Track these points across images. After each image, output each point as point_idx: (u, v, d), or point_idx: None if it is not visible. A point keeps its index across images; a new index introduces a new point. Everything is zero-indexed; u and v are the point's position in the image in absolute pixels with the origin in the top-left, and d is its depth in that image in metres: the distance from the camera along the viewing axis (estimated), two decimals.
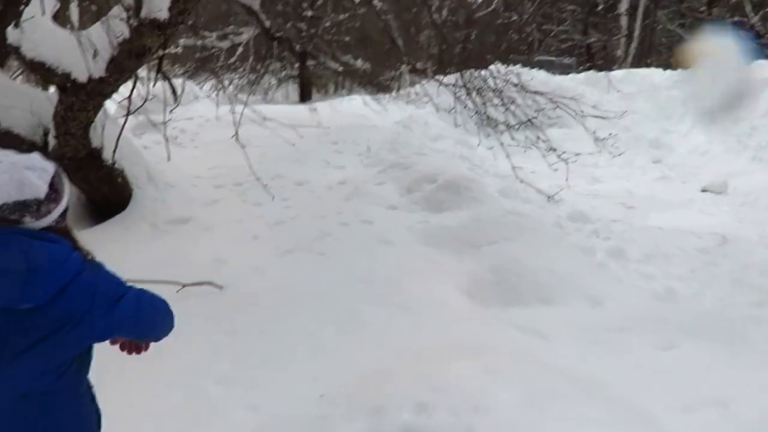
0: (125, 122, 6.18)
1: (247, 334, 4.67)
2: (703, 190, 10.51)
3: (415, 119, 11.70)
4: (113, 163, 6.65)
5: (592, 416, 3.10)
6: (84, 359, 2.24)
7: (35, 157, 2.15)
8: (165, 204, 7.28)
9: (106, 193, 7.01)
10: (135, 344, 2.42)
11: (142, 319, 2.23)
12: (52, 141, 5.98)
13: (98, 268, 2.23)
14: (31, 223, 2.08)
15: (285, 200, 7.26)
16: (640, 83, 15.91)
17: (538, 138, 6.35)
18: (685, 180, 11.30)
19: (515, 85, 6.35)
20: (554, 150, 6.34)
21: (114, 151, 6.31)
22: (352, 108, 12.18)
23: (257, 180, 7.19)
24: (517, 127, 6.54)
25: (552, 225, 7.48)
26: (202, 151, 9.47)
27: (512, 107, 6.52)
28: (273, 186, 7.10)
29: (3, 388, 2.11)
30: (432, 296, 5.13)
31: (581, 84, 15.62)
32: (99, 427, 2.39)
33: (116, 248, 6.26)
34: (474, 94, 6.63)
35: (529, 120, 6.38)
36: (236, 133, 6.71)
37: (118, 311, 2.13)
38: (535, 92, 6.34)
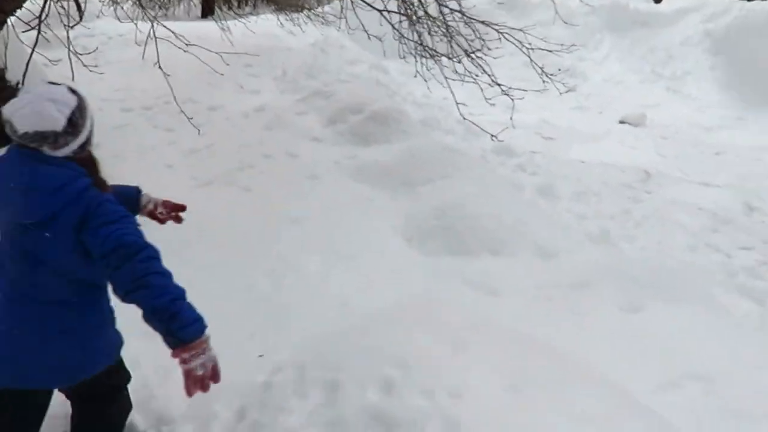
0: (37, 41, 5.29)
1: None
2: (621, 122, 10.29)
3: (331, 42, 10.92)
4: (17, 84, 5.77)
5: (577, 401, 2.72)
6: (98, 279, 2.33)
7: (60, 90, 2.21)
8: None
9: None
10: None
11: (128, 250, 2.16)
12: None
13: (106, 198, 2.27)
14: (49, 152, 2.19)
15: (200, 126, 6.53)
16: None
17: (483, 71, 5.82)
18: (602, 110, 11.03)
19: (457, 11, 5.78)
20: (500, 85, 5.84)
21: (25, 73, 5.45)
22: (265, 27, 11.25)
23: (167, 104, 6.45)
24: (458, 58, 5.99)
25: (478, 158, 7.10)
26: (107, 72, 8.50)
27: (455, 36, 5.95)
28: (185, 111, 6.35)
29: (25, 296, 2.28)
30: (371, 241, 4.63)
31: (496, 8, 15.03)
32: (118, 353, 2.56)
33: None
34: (414, 21, 6.01)
35: (473, 52, 5.83)
36: (147, 54, 5.92)
37: (109, 233, 2.16)
38: (482, 22, 5.78)
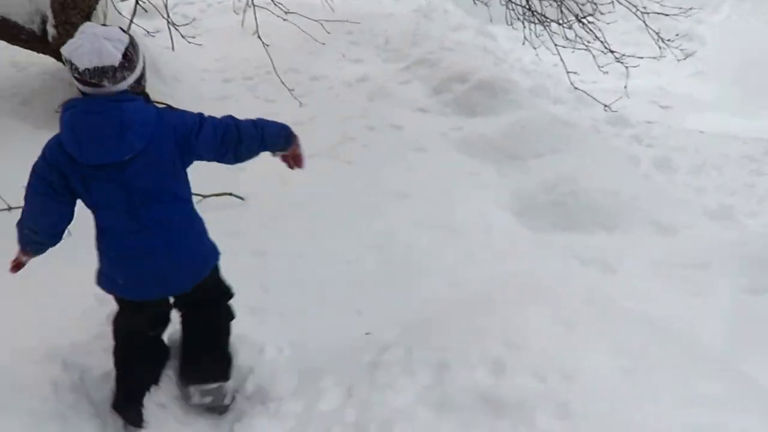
0: (135, 11, 5.49)
1: (276, 257, 4.20)
2: None
3: (434, 7, 10.85)
4: None
5: (698, 385, 2.66)
6: (188, 191, 2.80)
7: (114, 29, 2.50)
8: (173, 100, 6.64)
9: None
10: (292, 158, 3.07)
11: (222, 139, 2.66)
12: (51, 30, 5.35)
13: (174, 111, 2.73)
14: (109, 87, 2.44)
15: (301, 97, 6.64)
16: None
17: (596, 37, 5.66)
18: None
19: None
20: (613, 52, 5.68)
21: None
22: None
23: (268, 74, 6.55)
24: (569, 24, 5.85)
25: (590, 129, 6.95)
26: (207, 41, 8.74)
27: (566, 0, 5.80)
28: (286, 81, 6.46)
29: (135, 224, 2.65)
30: (479, 217, 4.62)
31: None
32: (218, 255, 2.99)
33: None
34: None
35: (585, 16, 5.68)
36: (246, 22, 6.02)
37: (200, 139, 2.60)
38: None
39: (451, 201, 4.82)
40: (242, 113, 5.98)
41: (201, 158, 2.73)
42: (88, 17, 5.32)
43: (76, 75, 2.43)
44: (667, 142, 7.15)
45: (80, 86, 2.46)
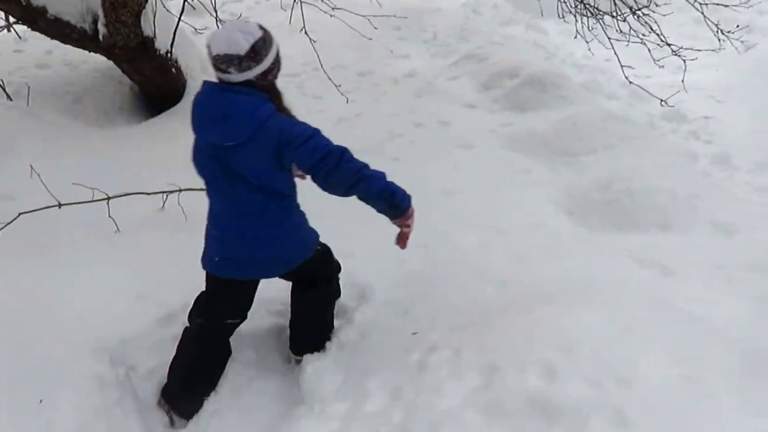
0: (183, 9, 5.52)
1: None
2: None
3: (483, 1, 10.73)
4: (167, 53, 6.08)
5: (762, 399, 2.54)
6: (288, 189, 2.93)
7: (252, 25, 2.71)
8: None
9: (161, 84, 6.49)
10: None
11: (316, 166, 2.71)
12: (102, 29, 5.42)
13: (294, 120, 2.77)
14: (235, 74, 2.66)
15: (348, 93, 6.59)
16: None
17: (651, 30, 5.50)
18: None
19: None
20: (669, 45, 5.52)
21: (172, 42, 5.73)
22: None
23: (315, 70, 6.53)
24: (623, 16, 5.70)
25: (645, 125, 6.77)
26: None
27: None
28: (333, 77, 6.44)
29: (230, 208, 2.91)
30: (529, 215, 4.53)
31: None
32: (313, 248, 3.17)
33: (174, 146, 5.77)
34: None
35: (640, 9, 5.52)
36: (293, 18, 6.02)
37: (295, 154, 2.70)
38: None
39: (501, 199, 4.73)
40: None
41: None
42: (138, 16, 5.37)
43: (210, 59, 2.68)
44: (726, 138, 6.93)
45: (214, 71, 2.71)
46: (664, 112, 7.30)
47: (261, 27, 2.72)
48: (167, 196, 4.44)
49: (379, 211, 2.92)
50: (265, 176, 2.80)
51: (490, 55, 7.56)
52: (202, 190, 4.47)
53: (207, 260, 3.11)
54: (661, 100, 5.43)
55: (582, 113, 5.98)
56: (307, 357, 3.39)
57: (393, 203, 2.87)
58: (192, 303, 3.25)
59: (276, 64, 2.77)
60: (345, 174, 2.74)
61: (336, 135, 4.56)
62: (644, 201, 4.46)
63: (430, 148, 5.65)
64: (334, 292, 3.56)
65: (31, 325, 3.31)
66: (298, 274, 3.21)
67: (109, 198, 4.15)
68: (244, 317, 3.31)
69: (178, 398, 3.20)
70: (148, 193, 4.36)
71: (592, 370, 2.65)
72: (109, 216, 4.14)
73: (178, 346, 3.24)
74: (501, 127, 6.02)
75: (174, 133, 6.00)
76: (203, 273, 3.85)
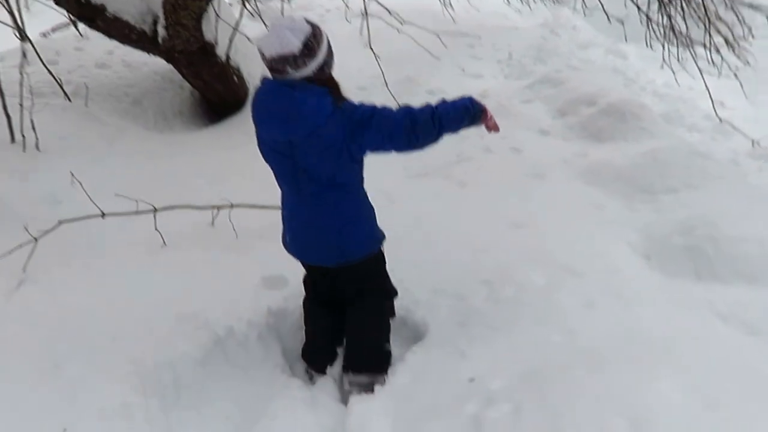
0: (241, 14, 5.43)
1: None
2: None
3: (562, 22, 10.44)
4: (227, 59, 5.99)
5: None
6: (354, 180, 3.06)
7: (299, 21, 2.74)
8: None
9: (221, 91, 6.41)
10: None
11: (390, 136, 2.84)
12: (161, 31, 5.35)
13: (352, 104, 2.84)
14: (293, 73, 2.72)
15: None
16: None
17: (746, 62, 5.17)
18: None
19: None
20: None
21: (229, 47, 5.63)
22: (490, 4, 10.97)
23: (384, 85, 6.36)
24: (716, 47, 5.38)
25: (730, 164, 6.39)
26: None
27: (714, 21, 5.33)
28: (400, 93, 6.26)
29: (297, 198, 3.04)
30: (602, 256, 4.23)
31: None
32: (377, 245, 3.29)
33: (232, 155, 5.66)
34: (666, 1, 5.47)
35: (735, 39, 5.20)
36: (363, 30, 5.87)
37: (366, 137, 2.81)
38: (749, 5, 5.13)
39: (572, 236, 4.45)
40: None
41: (376, 150, 2.93)
42: (198, 20, 5.29)
43: (265, 63, 2.74)
44: None
45: (271, 74, 2.79)
46: (750, 150, 6.92)
47: (308, 21, 2.76)
48: (218, 211, 4.29)
49: (465, 128, 3.08)
50: (329, 169, 2.88)
51: (567, 80, 7.28)
52: (254, 207, 4.37)
53: (285, 242, 3.27)
54: (753, 141, 5.06)
55: (663, 148, 5.65)
56: (353, 398, 3.19)
57: (473, 114, 3.03)
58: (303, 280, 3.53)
59: (330, 55, 2.83)
60: (426, 130, 2.87)
61: (401, 155, 4.48)
62: (729, 250, 4.11)
63: (500, 176, 5.40)
64: (389, 309, 3.57)
65: (64, 341, 3.20)
66: (356, 277, 3.29)
67: (156, 210, 4.03)
68: (346, 293, 3.40)
69: (307, 356, 3.52)
70: (198, 207, 4.23)
71: None
72: (156, 229, 4.02)
73: (304, 317, 3.54)
74: (575, 158, 5.73)
75: (233, 143, 5.90)
76: (249, 295, 3.71)
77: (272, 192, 4.84)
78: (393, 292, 3.55)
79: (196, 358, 3.26)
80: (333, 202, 3.00)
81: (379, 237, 3.28)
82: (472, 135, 6.23)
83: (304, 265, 3.40)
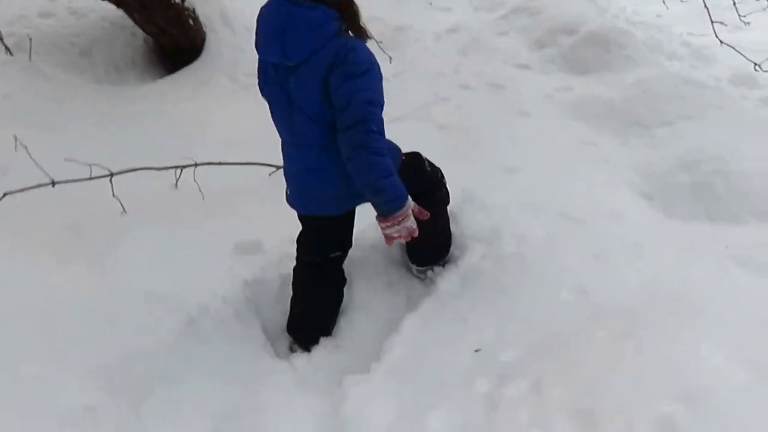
0: None
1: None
2: None
3: None
4: (183, 1, 5.43)
5: None
6: None
7: None
8: (245, 52, 6.03)
9: (176, 37, 5.84)
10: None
11: (356, 114, 2.42)
12: None
13: (356, 45, 2.47)
14: None
15: (386, 51, 5.91)
16: None
17: None
18: None
19: None
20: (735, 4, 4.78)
21: None
22: None
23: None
24: None
25: (728, 94, 6.01)
26: None
27: None
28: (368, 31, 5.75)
29: (295, 141, 2.69)
30: (602, 200, 3.86)
31: None
32: (399, 160, 2.87)
33: (191, 108, 5.16)
34: None
35: None
36: None
37: (352, 82, 2.40)
38: None
39: (568, 178, 4.06)
40: None
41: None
42: None
43: None
44: None
45: None
46: (732, 76, 6.54)
47: None
48: (181, 171, 3.81)
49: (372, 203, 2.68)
50: (319, 106, 2.53)
51: (542, 9, 6.76)
52: (221, 164, 3.90)
53: (287, 196, 2.94)
54: (756, 64, 4.66)
55: (651, 78, 5.27)
56: (347, 380, 2.79)
57: (374, 202, 2.63)
58: (296, 241, 3.12)
59: None
60: (349, 139, 2.47)
61: None
62: (742, 186, 3.77)
63: (482, 116, 4.97)
64: (444, 197, 3.22)
65: (16, 335, 2.74)
66: None
67: (112, 175, 3.54)
68: (347, 247, 3.12)
69: (294, 330, 3.12)
70: (158, 168, 3.74)
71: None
72: (114, 195, 3.53)
73: (293, 285, 3.12)
74: (559, 92, 5.32)
75: (193, 93, 5.40)
76: (222, 266, 3.30)
77: (240, 146, 4.42)
78: (438, 176, 3.18)
79: (168, 345, 2.84)
80: (334, 144, 2.58)
81: (395, 156, 2.85)
82: (447, 72, 5.85)
83: (303, 220, 3.02)
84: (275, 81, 2.59)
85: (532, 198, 3.79)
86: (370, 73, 2.46)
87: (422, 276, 3.36)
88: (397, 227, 2.63)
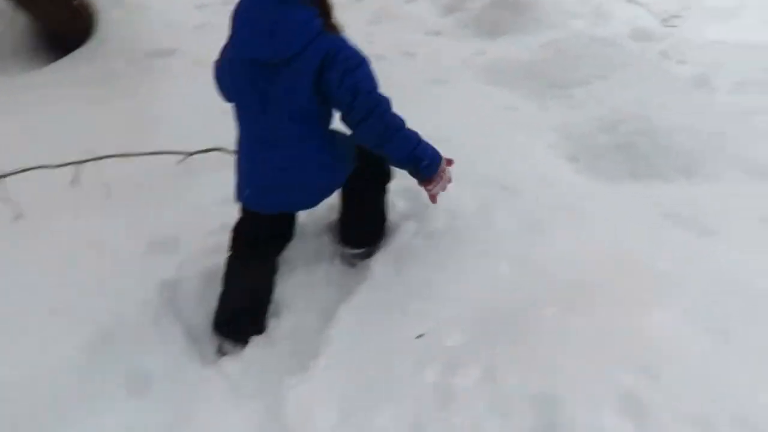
0: None
1: None
2: None
3: None
4: None
5: None
6: (326, 114, 2.65)
7: None
8: (139, 31, 5.65)
9: (63, 19, 5.38)
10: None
11: (367, 103, 2.49)
12: None
13: (344, 41, 2.52)
14: None
15: None
16: None
17: None
18: None
19: None
20: None
21: None
22: None
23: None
24: None
25: (637, 51, 5.98)
26: None
27: None
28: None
29: (260, 134, 2.67)
30: (529, 165, 3.73)
31: None
32: (351, 164, 2.87)
33: (86, 95, 4.76)
34: None
35: None
36: None
37: (352, 77, 2.45)
38: None
39: (492, 146, 3.91)
40: (221, 41, 5.02)
41: (338, 108, 2.58)
42: None
43: None
44: (697, 55, 6.20)
45: None
46: (631, 31, 6.54)
47: None
48: (81, 167, 3.47)
49: (404, 169, 2.72)
50: (308, 102, 2.53)
51: None
52: (126, 155, 3.58)
53: (243, 195, 2.82)
54: (664, 19, 4.62)
55: (563, 38, 5.21)
56: (288, 381, 2.57)
57: (416, 170, 2.68)
58: (232, 231, 2.94)
59: None
60: (371, 129, 2.53)
61: None
62: (664, 142, 3.70)
63: (399, 86, 4.66)
64: (387, 172, 3.12)
65: None
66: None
67: (4, 176, 3.18)
68: (290, 238, 3.06)
69: (227, 325, 2.90)
70: (54, 166, 3.38)
71: (694, 404, 1.92)
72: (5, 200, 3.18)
73: (226, 278, 2.91)
74: (474, 57, 5.18)
75: (84, 79, 4.99)
76: (135, 267, 3.01)
77: (143, 134, 4.09)
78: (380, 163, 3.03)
79: (78, 365, 2.54)
80: (310, 140, 2.67)
81: (353, 157, 2.89)
82: (360, 42, 5.57)
83: (255, 217, 2.88)
84: (246, 77, 2.55)
85: (459, 168, 3.61)
86: (364, 62, 2.50)
87: (355, 260, 3.20)
88: (440, 183, 2.77)
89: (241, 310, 2.91)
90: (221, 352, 2.88)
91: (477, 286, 2.80)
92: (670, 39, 6.50)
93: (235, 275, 2.92)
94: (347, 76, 2.43)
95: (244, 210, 2.91)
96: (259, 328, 2.94)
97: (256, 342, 2.87)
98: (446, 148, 3.85)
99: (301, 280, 3.12)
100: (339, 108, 2.55)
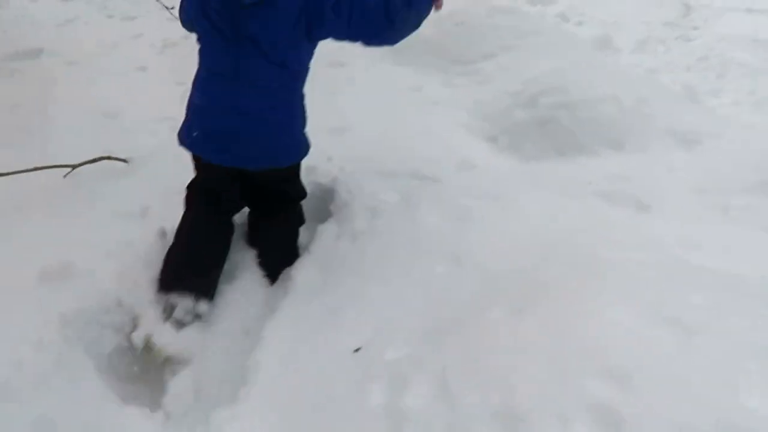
0: None
1: None
2: None
3: None
4: None
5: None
6: (303, 65, 2.68)
7: None
8: None
9: None
10: None
11: (370, 21, 2.52)
12: None
13: None
14: None
15: (172, 8, 5.26)
16: None
17: None
18: None
19: None
20: None
21: None
22: None
23: None
24: None
25: (521, 13, 5.90)
26: None
27: None
28: None
29: (224, 73, 2.53)
30: (445, 148, 3.55)
31: None
32: (305, 153, 2.84)
33: None
34: None
35: None
36: None
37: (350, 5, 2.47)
38: None
39: (404, 132, 3.71)
40: (96, 38, 4.66)
41: (337, 38, 2.62)
42: None
43: None
44: (593, 15, 6.21)
45: None
46: None
47: None
48: None
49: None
50: (282, 44, 2.49)
51: None
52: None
53: (185, 134, 2.68)
54: None
55: (461, 10, 4.99)
56: (219, 414, 2.30)
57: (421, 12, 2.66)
58: (186, 188, 2.86)
59: None
60: (400, 16, 2.52)
61: (164, 64, 4.56)
62: (588, 115, 3.57)
63: None
64: (300, 215, 3.06)
65: None
66: (273, 186, 2.87)
67: None
68: (236, 206, 2.98)
69: (180, 280, 2.69)
70: None
71: (673, 411, 1.77)
72: None
73: (182, 232, 2.80)
74: None
75: None
76: (29, 302, 2.65)
77: (19, 148, 3.63)
78: (304, 193, 3.04)
79: None
80: (279, 90, 2.60)
81: (308, 145, 2.85)
82: None
83: (207, 168, 2.77)
84: (221, 15, 2.45)
85: (372, 160, 3.40)
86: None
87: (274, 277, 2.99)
88: None
89: (190, 264, 2.76)
90: (168, 312, 2.65)
91: (412, 291, 2.60)
92: (567, 1, 6.51)
93: (188, 231, 2.80)
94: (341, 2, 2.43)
95: (196, 160, 2.78)
96: (207, 289, 2.75)
97: (177, 371, 2.56)
98: (355, 137, 3.65)
99: (221, 296, 2.84)
100: (359, 37, 2.60)
